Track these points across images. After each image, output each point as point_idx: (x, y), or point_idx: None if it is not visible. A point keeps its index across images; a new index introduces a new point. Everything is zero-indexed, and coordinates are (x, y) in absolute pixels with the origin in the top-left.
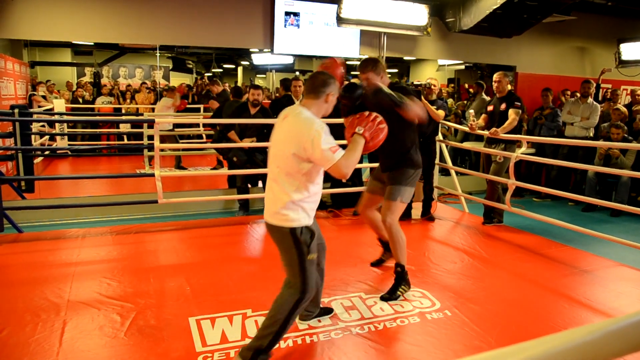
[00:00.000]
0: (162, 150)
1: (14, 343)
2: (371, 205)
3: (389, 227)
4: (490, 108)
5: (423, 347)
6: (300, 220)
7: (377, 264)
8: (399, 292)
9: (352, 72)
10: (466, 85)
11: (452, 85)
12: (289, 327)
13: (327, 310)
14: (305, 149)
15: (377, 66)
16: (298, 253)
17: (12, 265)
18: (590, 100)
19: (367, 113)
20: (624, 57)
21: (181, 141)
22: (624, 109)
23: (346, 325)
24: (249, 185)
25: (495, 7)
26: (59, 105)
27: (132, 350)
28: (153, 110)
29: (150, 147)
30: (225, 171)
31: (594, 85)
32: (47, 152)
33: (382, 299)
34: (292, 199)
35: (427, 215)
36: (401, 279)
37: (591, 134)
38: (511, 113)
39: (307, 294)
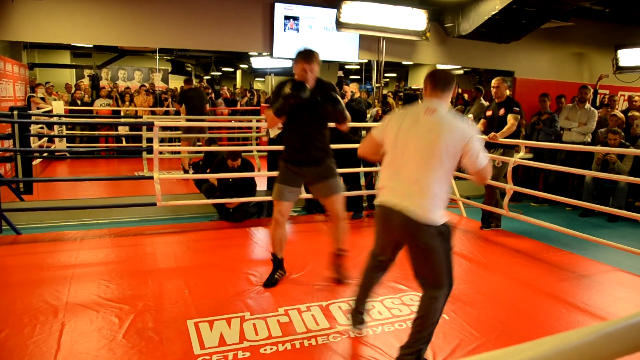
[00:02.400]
0: (160, 152)
1: (12, 345)
2: (287, 217)
3: (344, 219)
4: (489, 113)
5: None
6: (445, 215)
7: (273, 283)
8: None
9: (351, 77)
10: (459, 90)
11: None
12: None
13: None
14: (462, 147)
15: (318, 58)
16: (447, 249)
17: (10, 267)
18: (587, 105)
19: None
20: (622, 63)
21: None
22: (621, 115)
23: (344, 329)
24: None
25: (494, 12)
26: (58, 107)
27: (130, 353)
28: (152, 112)
29: (149, 150)
30: (230, 174)
31: (592, 91)
32: (45, 154)
33: (338, 282)
34: (441, 193)
35: None
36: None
37: (589, 140)
38: (510, 118)
39: (452, 285)
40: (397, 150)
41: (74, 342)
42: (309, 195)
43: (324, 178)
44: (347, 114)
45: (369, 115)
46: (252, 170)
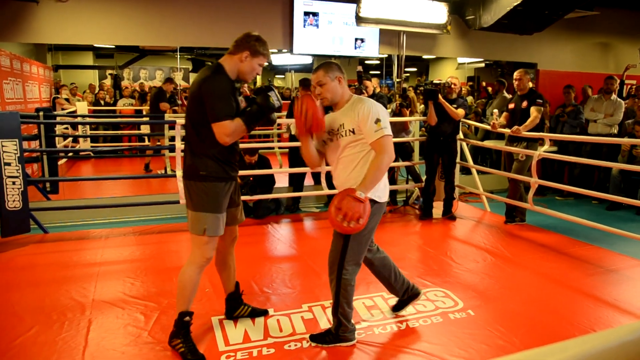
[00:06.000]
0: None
1: (42, 341)
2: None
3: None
4: (511, 106)
5: (446, 347)
6: None
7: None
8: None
9: (371, 72)
10: (484, 84)
11: (472, 83)
12: None
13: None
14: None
15: None
16: None
17: (38, 265)
18: (613, 96)
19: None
20: None
21: None
22: None
23: (369, 325)
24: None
25: (515, 3)
26: (82, 107)
27: (155, 350)
28: (174, 111)
29: (172, 148)
30: (250, 171)
31: (618, 81)
32: (70, 154)
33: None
34: None
35: (449, 215)
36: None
37: (615, 131)
38: (533, 111)
39: None
40: None
41: (101, 338)
42: (332, 191)
43: (239, 199)
44: None
45: (389, 110)
46: (269, 165)
